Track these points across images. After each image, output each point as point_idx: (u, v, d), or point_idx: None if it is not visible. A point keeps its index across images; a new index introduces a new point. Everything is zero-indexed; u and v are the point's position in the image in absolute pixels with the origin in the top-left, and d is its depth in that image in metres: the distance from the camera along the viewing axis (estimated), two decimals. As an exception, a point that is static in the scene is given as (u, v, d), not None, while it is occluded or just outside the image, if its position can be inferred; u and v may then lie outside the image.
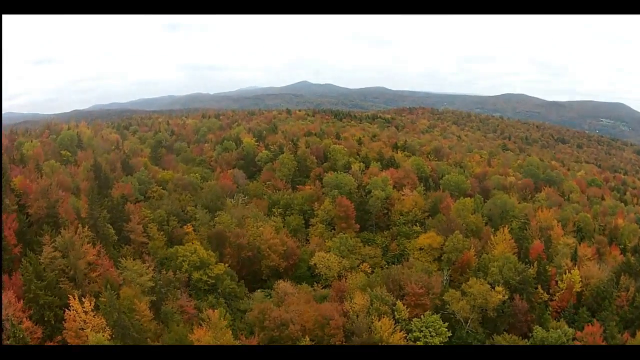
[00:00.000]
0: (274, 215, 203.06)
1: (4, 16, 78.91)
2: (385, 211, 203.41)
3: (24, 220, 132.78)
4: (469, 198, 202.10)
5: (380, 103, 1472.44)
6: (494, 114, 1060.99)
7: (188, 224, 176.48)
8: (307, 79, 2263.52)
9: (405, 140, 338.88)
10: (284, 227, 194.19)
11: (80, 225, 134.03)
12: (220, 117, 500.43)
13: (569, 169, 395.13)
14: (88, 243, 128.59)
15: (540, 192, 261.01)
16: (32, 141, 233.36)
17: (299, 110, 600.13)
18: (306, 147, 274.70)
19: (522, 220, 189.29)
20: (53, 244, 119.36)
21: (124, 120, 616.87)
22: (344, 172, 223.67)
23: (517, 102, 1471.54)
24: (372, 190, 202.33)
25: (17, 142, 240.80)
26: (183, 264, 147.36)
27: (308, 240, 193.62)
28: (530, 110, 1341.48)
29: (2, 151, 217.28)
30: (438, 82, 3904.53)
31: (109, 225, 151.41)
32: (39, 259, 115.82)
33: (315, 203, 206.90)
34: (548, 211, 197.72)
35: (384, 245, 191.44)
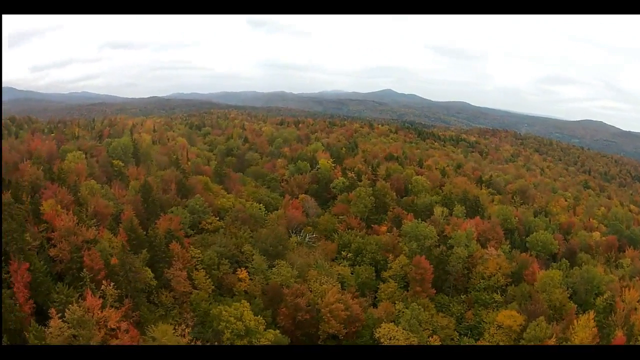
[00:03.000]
0: (343, 259, 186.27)
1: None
2: (466, 271, 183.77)
3: (40, 266, 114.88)
4: (556, 270, 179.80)
5: (462, 119, 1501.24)
6: (572, 141, 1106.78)
7: (242, 268, 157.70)
8: (391, 87, 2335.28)
9: (491, 175, 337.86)
10: (352, 274, 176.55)
11: (105, 280, 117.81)
12: (299, 125, 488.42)
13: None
14: (114, 302, 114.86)
15: (624, 251, 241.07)
16: (76, 151, 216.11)
17: (382, 125, 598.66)
18: (386, 176, 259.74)
19: (608, 301, 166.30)
20: (62, 319, 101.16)
21: (199, 117, 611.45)
22: (425, 220, 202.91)
23: (595, 129, 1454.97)
24: (455, 247, 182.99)
25: (62, 149, 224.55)
26: (225, 331, 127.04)
27: (376, 298, 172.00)
28: (608, 140, 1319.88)
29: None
30: (517, 102, 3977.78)
31: (146, 268, 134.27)
32: (45, 330, 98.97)
33: (391, 254, 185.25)
34: (635, 290, 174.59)
35: (459, 314, 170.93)
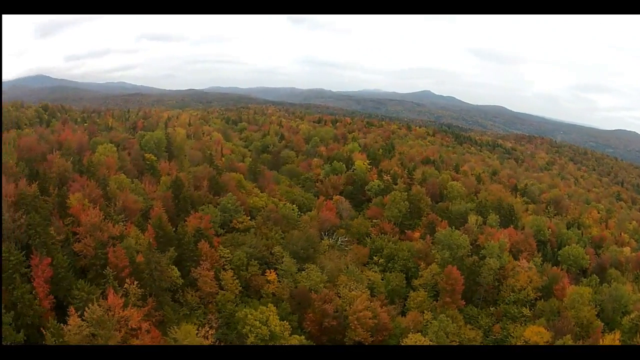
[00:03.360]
0: (374, 264, 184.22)
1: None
2: (497, 283, 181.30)
3: (62, 261, 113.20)
4: (586, 288, 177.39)
5: (499, 124, 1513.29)
6: (606, 150, 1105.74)
7: (271, 270, 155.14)
8: (429, 88, 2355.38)
9: (526, 184, 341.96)
10: (382, 280, 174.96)
11: (128, 279, 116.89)
12: (337, 124, 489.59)
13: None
14: (137, 300, 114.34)
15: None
16: (107, 144, 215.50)
17: (419, 127, 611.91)
18: (422, 181, 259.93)
19: (635, 322, 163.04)
20: (81, 317, 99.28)
21: (236, 111, 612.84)
22: (459, 228, 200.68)
23: (629, 140, 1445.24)
24: (487, 257, 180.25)
25: (93, 141, 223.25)
26: (250, 335, 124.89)
27: (405, 306, 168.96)
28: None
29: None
30: (554, 108, 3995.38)
31: (173, 267, 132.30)
32: (63, 328, 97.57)
33: (422, 262, 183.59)
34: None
35: (487, 327, 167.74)
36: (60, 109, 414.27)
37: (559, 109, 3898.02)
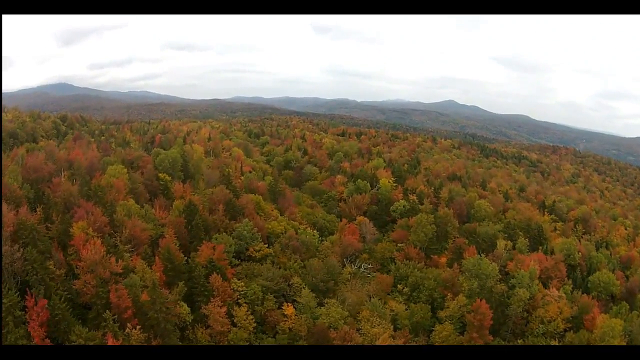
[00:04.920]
0: (398, 293, 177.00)
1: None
2: (525, 314, 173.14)
3: (59, 302, 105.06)
4: (618, 320, 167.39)
5: (523, 133, 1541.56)
6: (628, 158, 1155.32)
7: (289, 304, 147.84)
8: (453, 98, 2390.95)
9: (554, 201, 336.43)
10: (406, 309, 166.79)
11: (130, 323, 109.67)
12: (361, 137, 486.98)
13: None
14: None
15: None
16: (117, 165, 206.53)
17: (444, 140, 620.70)
18: (449, 200, 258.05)
19: None
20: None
21: (259, 123, 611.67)
22: (487, 253, 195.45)
23: None
24: (516, 287, 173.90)
25: (104, 160, 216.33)
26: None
27: (429, 339, 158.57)
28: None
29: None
30: (577, 116, 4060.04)
31: (182, 303, 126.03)
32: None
33: (449, 293, 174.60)
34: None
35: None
36: (79, 120, 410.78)
37: (581, 117, 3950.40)
